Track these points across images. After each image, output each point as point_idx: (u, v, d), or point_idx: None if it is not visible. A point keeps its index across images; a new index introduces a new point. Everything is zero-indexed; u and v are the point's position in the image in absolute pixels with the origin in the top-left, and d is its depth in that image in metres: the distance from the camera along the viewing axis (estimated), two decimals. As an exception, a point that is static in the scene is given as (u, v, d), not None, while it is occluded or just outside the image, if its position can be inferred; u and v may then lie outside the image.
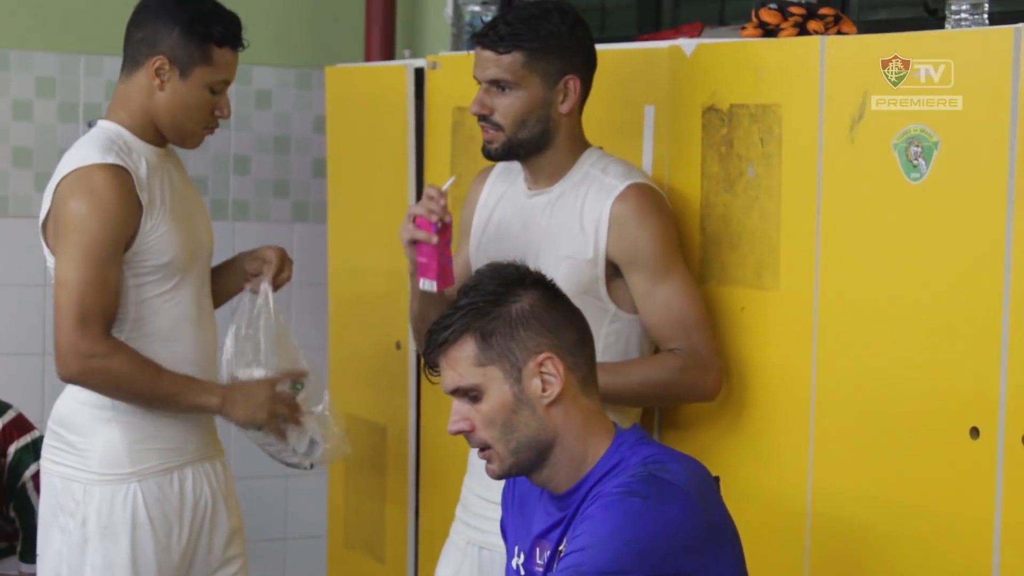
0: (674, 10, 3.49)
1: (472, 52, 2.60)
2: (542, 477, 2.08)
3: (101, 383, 2.65)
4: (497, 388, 2.04)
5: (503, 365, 2.03)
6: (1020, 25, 2.13)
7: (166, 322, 2.71)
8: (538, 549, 2.10)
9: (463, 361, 2.04)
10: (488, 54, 2.53)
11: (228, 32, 2.71)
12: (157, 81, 2.68)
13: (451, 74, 3.25)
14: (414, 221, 2.48)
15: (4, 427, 3.30)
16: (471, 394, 2.05)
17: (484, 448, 2.06)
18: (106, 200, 2.61)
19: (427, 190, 2.50)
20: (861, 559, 2.35)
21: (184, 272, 2.73)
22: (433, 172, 3.30)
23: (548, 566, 2.07)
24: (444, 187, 2.51)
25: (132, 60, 2.72)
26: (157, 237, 2.67)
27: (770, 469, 2.50)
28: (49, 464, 2.76)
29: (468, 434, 2.07)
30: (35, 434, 3.23)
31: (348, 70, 3.78)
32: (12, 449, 3.26)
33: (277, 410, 2.77)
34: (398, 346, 3.44)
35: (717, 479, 2.16)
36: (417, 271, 2.52)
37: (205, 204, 2.90)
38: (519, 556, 2.14)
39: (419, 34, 4.09)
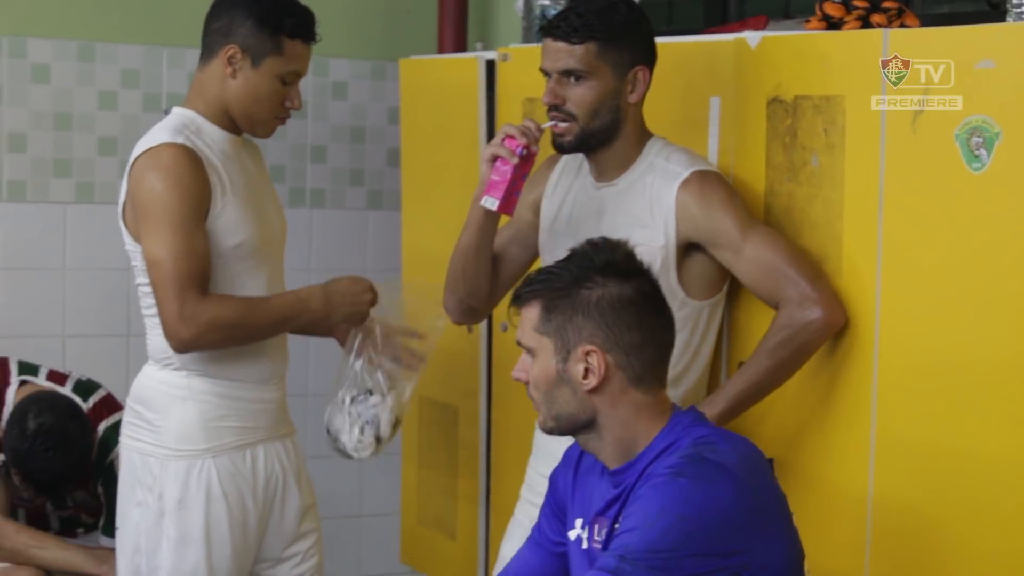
0: (740, 3, 3.49)
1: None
2: (591, 447, 2.12)
3: (220, 338, 2.67)
4: (546, 359, 2.09)
5: (555, 341, 2.08)
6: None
7: None
8: (596, 526, 2.14)
9: (527, 322, 2.11)
10: (560, 45, 2.55)
11: (300, 25, 2.74)
12: (229, 69, 2.72)
13: (521, 66, 3.27)
14: (503, 140, 2.55)
15: (95, 405, 3.36)
16: (529, 351, 2.12)
17: (534, 401, 2.14)
18: (179, 174, 2.64)
19: (526, 120, 2.56)
20: (923, 542, 2.37)
21: (255, 257, 2.76)
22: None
23: (605, 544, 2.10)
24: (544, 125, 2.57)
25: (208, 49, 2.76)
26: (226, 220, 2.70)
27: (832, 452, 2.51)
28: (128, 440, 2.80)
29: (526, 384, 2.14)
30: (123, 413, 3.30)
31: (421, 62, 3.81)
32: (102, 427, 3.30)
33: (367, 309, 2.81)
34: (469, 330, 3.48)
35: (771, 461, 2.19)
36: (484, 189, 2.56)
37: (282, 194, 2.94)
38: (583, 530, 2.17)
39: (490, 27, 4.12)
